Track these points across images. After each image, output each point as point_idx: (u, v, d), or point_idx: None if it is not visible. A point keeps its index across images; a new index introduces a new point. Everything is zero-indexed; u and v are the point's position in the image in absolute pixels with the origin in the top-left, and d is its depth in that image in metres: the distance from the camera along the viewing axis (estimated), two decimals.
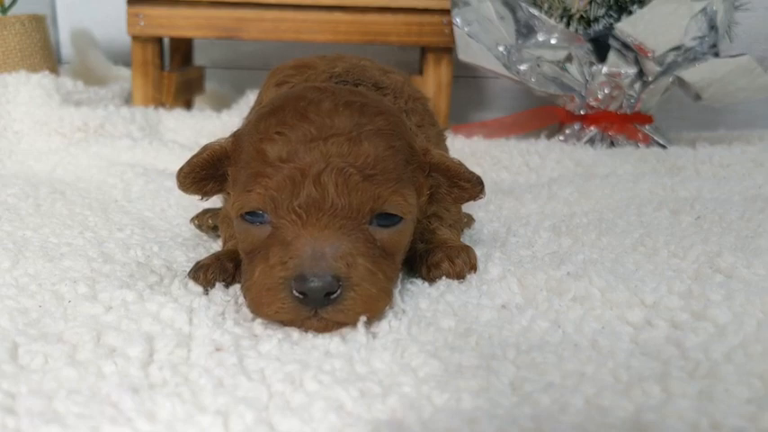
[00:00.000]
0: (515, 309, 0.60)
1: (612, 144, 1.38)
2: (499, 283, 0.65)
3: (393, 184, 0.57)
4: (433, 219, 0.73)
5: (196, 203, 0.97)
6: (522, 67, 1.35)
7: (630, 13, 1.29)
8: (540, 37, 1.34)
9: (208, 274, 0.63)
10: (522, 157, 1.29)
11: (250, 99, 1.50)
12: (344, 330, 0.55)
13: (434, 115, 0.92)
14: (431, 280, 0.67)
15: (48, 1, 1.96)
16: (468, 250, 0.69)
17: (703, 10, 1.25)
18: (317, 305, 0.53)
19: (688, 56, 1.32)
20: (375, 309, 0.56)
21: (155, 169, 1.13)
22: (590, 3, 1.31)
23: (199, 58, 1.79)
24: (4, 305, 0.59)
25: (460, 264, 0.66)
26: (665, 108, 1.52)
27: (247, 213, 0.57)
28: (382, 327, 0.56)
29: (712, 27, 1.29)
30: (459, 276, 0.66)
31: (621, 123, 1.39)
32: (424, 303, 0.61)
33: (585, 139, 1.39)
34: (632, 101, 1.38)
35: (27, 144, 1.28)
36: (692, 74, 1.32)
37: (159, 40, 1.49)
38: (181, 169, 0.64)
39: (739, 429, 0.41)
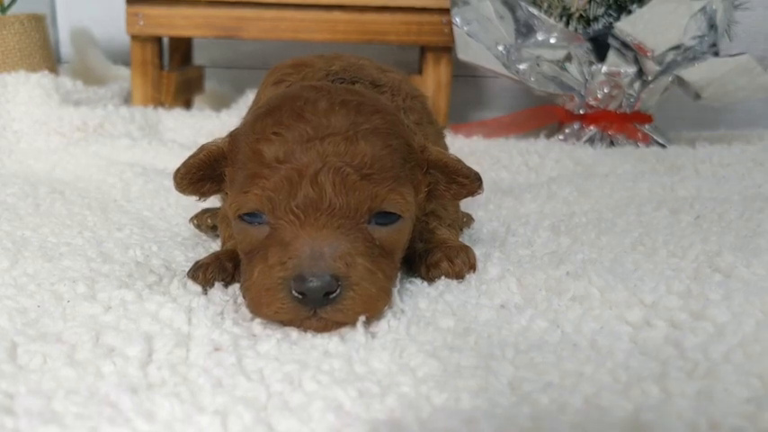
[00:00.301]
0: (514, 308, 0.60)
1: (612, 143, 1.38)
2: (498, 283, 0.65)
3: (391, 182, 0.57)
4: (431, 218, 0.73)
5: (195, 203, 0.97)
6: (522, 67, 1.35)
7: (630, 12, 1.29)
8: (540, 36, 1.34)
9: (207, 273, 0.63)
10: (522, 156, 1.29)
11: (249, 98, 1.49)
12: (344, 330, 0.55)
13: (433, 113, 0.92)
14: (430, 280, 0.67)
15: (47, 0, 1.97)
16: (467, 250, 0.69)
17: (702, 9, 1.25)
18: (316, 305, 0.53)
19: (687, 55, 1.32)
20: (374, 308, 0.56)
21: (154, 169, 1.14)
22: (589, 2, 1.31)
23: (198, 58, 1.79)
24: (3, 305, 0.58)
25: (460, 263, 0.66)
26: (664, 107, 1.52)
27: (245, 214, 0.57)
28: (381, 326, 0.56)
29: (712, 26, 1.29)
30: (459, 276, 0.66)
31: (621, 123, 1.40)
32: (423, 303, 0.61)
33: (585, 138, 1.39)
34: (632, 100, 1.38)
35: (26, 143, 1.29)
36: (691, 73, 1.32)
37: (158, 40, 1.49)
38: (177, 170, 0.64)
39: (738, 429, 0.41)
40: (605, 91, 1.37)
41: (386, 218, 0.58)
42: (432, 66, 1.47)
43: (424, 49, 1.50)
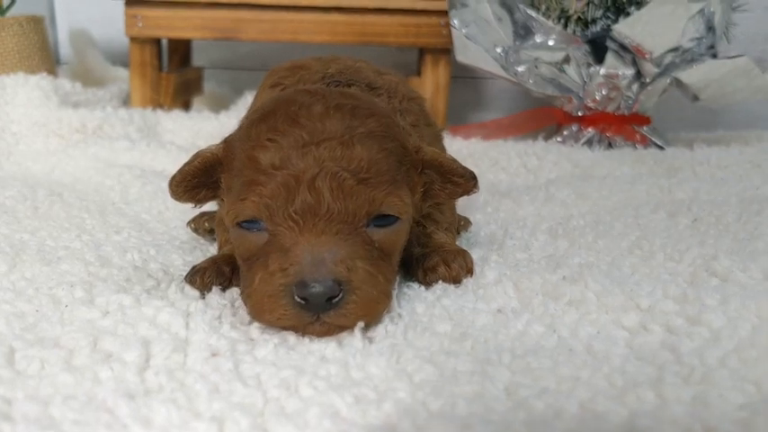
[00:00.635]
0: (511, 313, 0.60)
1: (610, 145, 1.38)
2: (495, 287, 0.65)
3: (388, 185, 0.57)
4: (428, 222, 0.73)
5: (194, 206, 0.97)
6: (520, 69, 1.35)
7: (628, 14, 1.29)
8: (538, 38, 1.34)
9: (204, 277, 0.64)
10: (520, 158, 1.29)
11: (248, 100, 1.49)
12: (342, 335, 0.55)
13: (430, 115, 0.92)
14: (427, 284, 0.67)
15: (46, 1, 1.96)
16: (464, 254, 0.69)
17: (701, 11, 1.25)
18: (319, 310, 0.53)
19: (686, 57, 1.32)
20: (376, 311, 0.56)
21: (152, 171, 1.13)
22: (587, 4, 1.31)
23: (197, 59, 1.80)
24: (1, 309, 0.59)
25: (457, 268, 0.67)
26: (662, 108, 1.52)
27: (243, 221, 0.57)
28: (378, 331, 0.56)
29: (710, 28, 1.29)
30: (456, 281, 0.66)
31: (619, 124, 1.40)
32: (420, 308, 0.61)
33: (583, 140, 1.39)
34: (630, 102, 1.38)
35: (25, 145, 1.29)
36: (689, 75, 1.32)
37: (157, 41, 1.49)
38: (173, 178, 0.64)
39: None
40: (603, 93, 1.37)
41: (383, 220, 0.58)
42: (430, 67, 1.47)
43: (422, 51, 1.50)
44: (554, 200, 1.05)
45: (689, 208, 0.94)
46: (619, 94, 1.37)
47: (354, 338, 0.54)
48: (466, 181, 0.66)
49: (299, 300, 0.53)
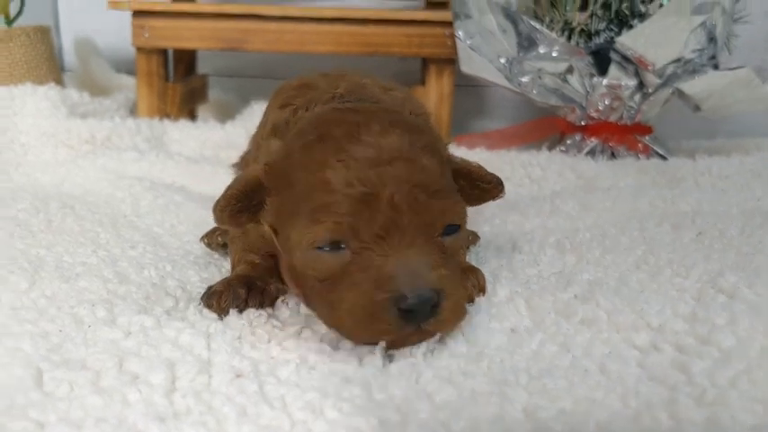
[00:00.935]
0: (525, 332, 0.61)
1: (613, 155, 1.39)
2: (507, 306, 0.66)
3: (451, 196, 0.61)
4: None
5: (206, 220, 0.98)
6: (524, 79, 1.37)
7: (631, 27, 1.31)
8: (542, 50, 1.35)
9: (221, 301, 0.65)
10: (524, 168, 1.30)
11: (254, 109, 1.51)
12: (362, 353, 0.57)
13: (437, 129, 0.94)
14: None
15: (50, 9, 1.97)
16: (476, 272, 0.70)
17: (703, 23, 1.26)
18: (421, 320, 0.55)
19: (687, 68, 1.33)
20: (464, 313, 0.59)
21: (162, 183, 1.15)
22: (590, 17, 1.32)
23: (202, 67, 1.80)
24: (26, 329, 0.60)
25: (470, 287, 0.68)
26: (663, 117, 1.53)
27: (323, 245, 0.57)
28: (398, 351, 0.57)
29: (711, 39, 1.30)
30: (469, 299, 0.67)
31: (621, 134, 1.41)
32: None
33: (586, 149, 1.40)
34: (632, 112, 1.40)
35: (34, 156, 1.30)
36: (691, 86, 1.33)
37: (164, 51, 1.50)
38: (217, 203, 0.64)
39: None
40: (606, 103, 1.38)
41: (449, 228, 0.60)
42: (434, 77, 1.48)
43: (425, 61, 1.52)
44: (559, 212, 1.06)
45: (693, 221, 0.96)
46: (621, 104, 1.38)
47: (375, 357, 0.56)
48: (493, 186, 0.69)
49: (401, 313, 0.54)
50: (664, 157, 1.38)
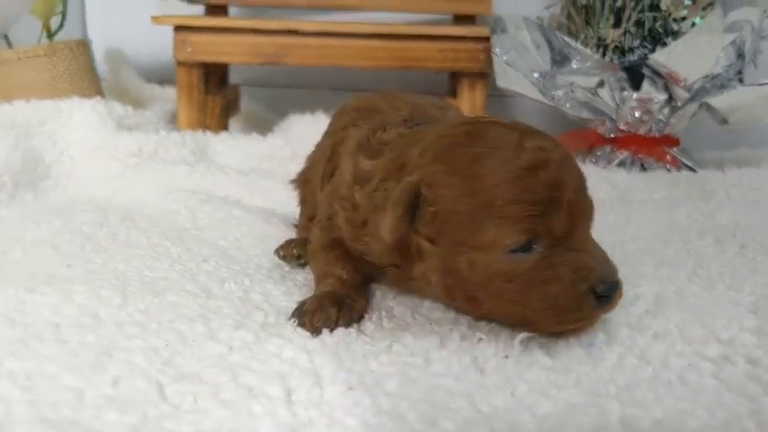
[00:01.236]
0: (603, 346, 0.65)
1: (643, 167, 1.44)
2: None
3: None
4: None
5: (269, 233, 1.03)
6: (558, 93, 1.41)
7: (665, 44, 1.35)
8: (575, 65, 1.39)
9: (314, 321, 0.67)
10: None
11: (292, 122, 1.55)
12: (453, 366, 0.61)
13: None
14: None
15: (79, 20, 2.01)
16: None
17: (733, 41, 1.31)
18: (611, 303, 0.63)
19: (716, 83, 1.38)
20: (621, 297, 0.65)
21: (216, 196, 1.18)
22: (624, 34, 1.37)
23: (232, 77, 1.84)
24: (135, 344, 0.63)
25: None
26: (687, 127, 1.57)
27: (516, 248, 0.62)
28: (489, 364, 0.61)
29: (740, 55, 1.35)
30: None
31: (650, 146, 1.45)
32: (514, 342, 0.66)
33: (616, 161, 1.45)
34: (661, 125, 1.44)
35: (83, 169, 1.33)
36: (719, 101, 1.38)
37: (203, 65, 1.53)
38: (391, 214, 0.65)
39: None
40: (636, 116, 1.43)
41: None
42: (467, 91, 1.52)
43: (457, 74, 1.56)
44: (601, 224, 1.10)
45: (733, 234, 1.00)
46: (651, 117, 1.42)
47: (468, 371, 0.60)
48: None
49: (598, 298, 0.62)
50: (693, 169, 1.42)
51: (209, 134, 1.47)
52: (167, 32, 1.51)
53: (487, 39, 1.46)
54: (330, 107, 1.63)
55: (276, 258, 0.92)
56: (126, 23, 1.94)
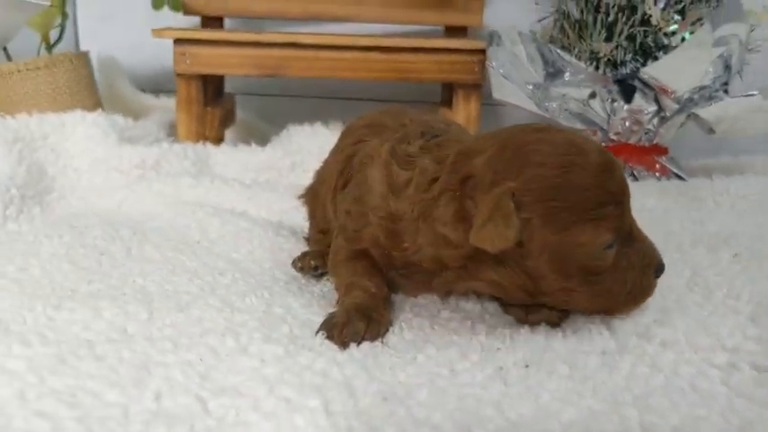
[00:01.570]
0: (615, 354, 0.69)
1: (634, 175, 1.48)
2: (590, 330, 0.74)
3: None
4: None
5: (281, 246, 1.05)
6: (552, 105, 1.45)
7: (656, 58, 1.40)
8: (567, 77, 1.44)
9: (342, 335, 0.70)
10: None
11: (291, 133, 1.58)
12: (477, 376, 0.64)
13: None
14: (529, 323, 0.76)
15: (71, 31, 2.01)
16: None
17: (721, 54, 1.36)
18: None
19: (703, 94, 1.43)
20: None
21: (222, 209, 1.20)
22: (616, 47, 1.41)
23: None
24: (170, 359, 0.66)
25: (557, 311, 0.75)
26: (674, 136, 1.62)
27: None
28: (510, 374, 0.64)
29: (727, 68, 1.40)
30: (556, 324, 0.75)
31: (640, 155, 1.50)
32: (534, 351, 0.69)
33: None
34: (651, 135, 1.49)
35: (87, 181, 1.34)
36: (707, 111, 1.43)
37: (202, 77, 1.55)
38: (505, 225, 0.67)
39: None
40: (626, 126, 1.47)
41: None
42: (462, 101, 1.56)
43: (451, 84, 1.60)
44: None
45: (726, 242, 1.04)
46: (641, 127, 1.47)
47: (494, 381, 0.63)
48: None
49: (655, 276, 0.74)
50: (681, 178, 1.47)
51: (209, 146, 1.49)
52: (160, 43, 1.52)
53: (483, 51, 1.50)
54: (323, 115, 1.67)
55: (290, 270, 0.95)
56: (119, 34, 1.96)
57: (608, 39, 1.42)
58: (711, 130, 1.48)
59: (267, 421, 0.56)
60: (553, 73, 1.44)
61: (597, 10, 1.43)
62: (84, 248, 1.00)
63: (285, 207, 1.22)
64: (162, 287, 0.86)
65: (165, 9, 1.72)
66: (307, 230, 1.07)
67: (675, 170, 1.50)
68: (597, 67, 1.43)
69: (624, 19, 1.40)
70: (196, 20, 1.81)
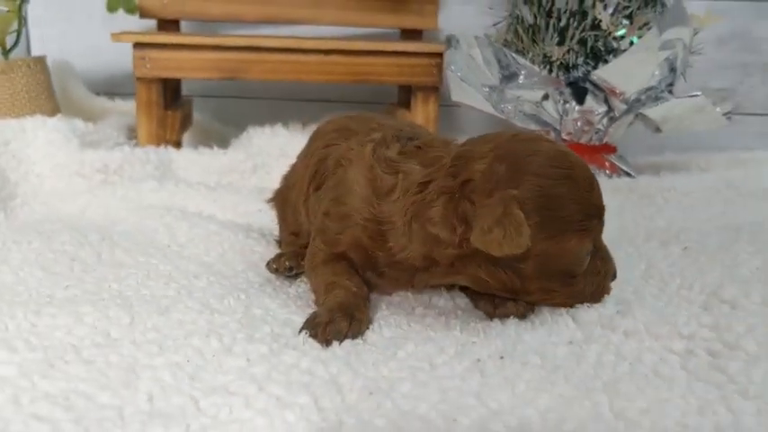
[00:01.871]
0: (583, 344, 0.73)
1: None
2: (556, 322, 0.78)
3: None
4: None
5: (252, 248, 1.07)
6: (508, 107, 1.50)
7: (606, 61, 1.46)
8: (521, 80, 1.49)
9: (325, 333, 0.73)
10: None
11: (251, 135, 1.59)
12: (456, 368, 0.67)
13: None
14: (498, 317, 0.79)
15: (23, 35, 1.98)
16: None
17: (667, 57, 1.42)
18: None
19: (650, 94, 1.50)
20: None
21: (189, 212, 1.21)
22: (568, 51, 1.47)
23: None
24: (158, 362, 0.68)
25: (523, 304, 0.80)
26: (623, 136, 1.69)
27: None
28: (488, 366, 0.68)
29: (672, 70, 1.47)
30: (523, 316, 0.79)
31: (591, 154, 1.56)
32: (506, 344, 0.73)
33: None
34: (601, 134, 1.55)
35: (50, 186, 1.34)
36: (654, 111, 1.50)
37: (162, 80, 1.55)
38: (518, 229, 0.71)
39: None
40: (578, 126, 1.53)
41: None
42: (421, 103, 1.60)
43: (409, 87, 1.63)
44: None
45: (676, 237, 1.10)
46: (591, 127, 1.53)
47: (472, 372, 0.66)
48: None
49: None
50: (630, 175, 1.54)
51: (171, 149, 1.49)
52: (115, 47, 1.52)
53: (440, 54, 1.54)
54: (281, 117, 1.68)
55: (264, 272, 0.96)
56: (72, 38, 1.93)
57: (560, 43, 1.47)
58: (658, 129, 1.55)
59: (261, 417, 0.58)
60: (508, 76, 1.49)
61: (549, 15, 1.49)
62: (53, 254, 1.01)
63: (251, 209, 1.24)
64: (139, 291, 0.87)
65: (121, 12, 1.71)
66: (276, 233, 1.09)
67: (625, 168, 1.56)
68: (550, 71, 1.49)
69: (575, 24, 1.45)
70: (152, 23, 1.80)
